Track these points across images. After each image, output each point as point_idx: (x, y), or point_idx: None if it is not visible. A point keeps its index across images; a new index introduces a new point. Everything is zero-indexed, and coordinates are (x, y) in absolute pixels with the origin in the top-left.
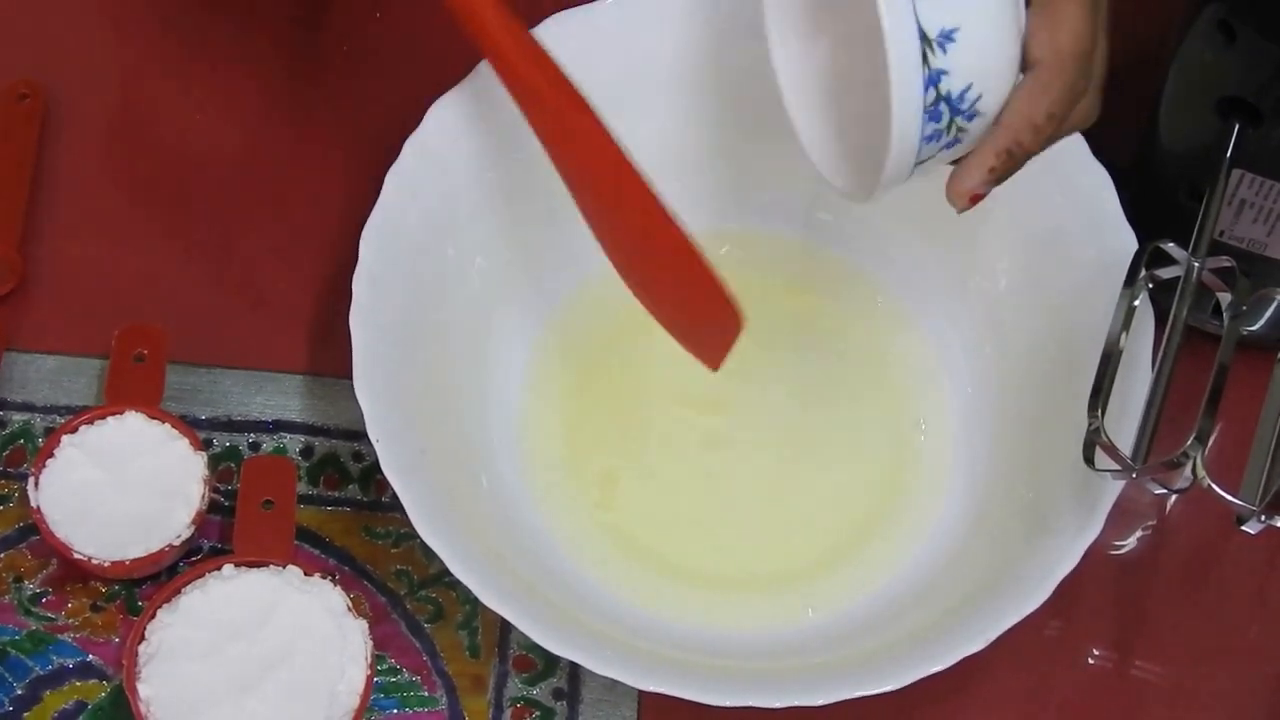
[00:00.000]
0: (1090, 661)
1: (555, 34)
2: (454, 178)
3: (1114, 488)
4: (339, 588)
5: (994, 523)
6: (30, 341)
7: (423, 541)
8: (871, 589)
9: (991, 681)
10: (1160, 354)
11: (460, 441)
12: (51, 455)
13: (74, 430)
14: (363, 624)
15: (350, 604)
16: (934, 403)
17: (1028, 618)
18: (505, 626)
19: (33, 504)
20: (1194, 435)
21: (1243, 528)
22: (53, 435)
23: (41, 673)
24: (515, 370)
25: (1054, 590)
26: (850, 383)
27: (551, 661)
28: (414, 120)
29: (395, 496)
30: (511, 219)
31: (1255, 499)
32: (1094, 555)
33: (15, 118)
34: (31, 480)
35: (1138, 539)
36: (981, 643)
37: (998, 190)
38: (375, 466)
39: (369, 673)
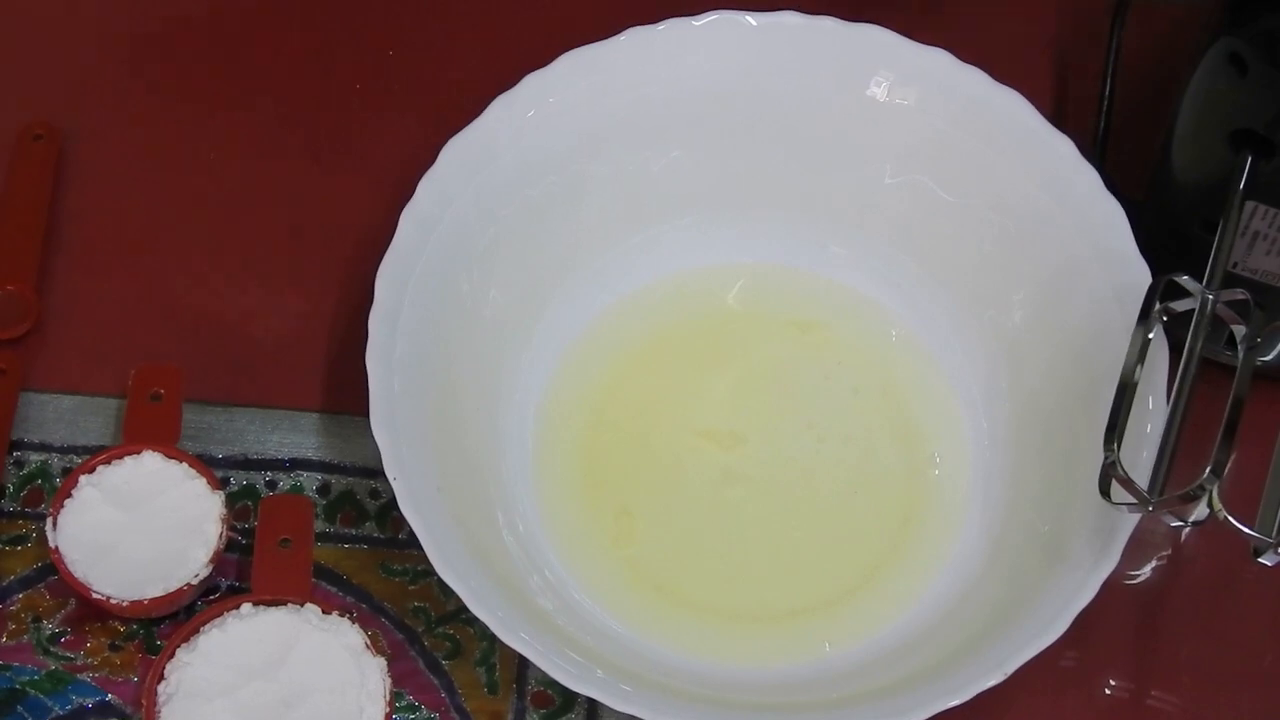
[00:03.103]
0: (1107, 692)
1: (568, 70)
2: (468, 215)
3: (1131, 520)
4: (357, 625)
5: (1011, 555)
6: (47, 381)
7: (440, 578)
8: (889, 623)
9: (1009, 713)
10: (1175, 386)
11: (476, 477)
12: (69, 495)
13: (91, 470)
14: (381, 661)
15: (368, 641)
16: (949, 436)
17: (1044, 649)
18: (523, 663)
19: (51, 544)
20: (1210, 468)
21: (1260, 560)
22: (70, 475)
23: (61, 713)
24: (530, 405)
25: (1072, 622)
26: (865, 416)
27: (570, 698)
28: (428, 159)
29: (412, 533)
30: (525, 254)
31: (1272, 531)
32: (1110, 586)
33: (30, 158)
34: (49, 520)
35: (1153, 569)
36: (1000, 676)
37: (1011, 224)
38: (392, 503)
39: (388, 710)
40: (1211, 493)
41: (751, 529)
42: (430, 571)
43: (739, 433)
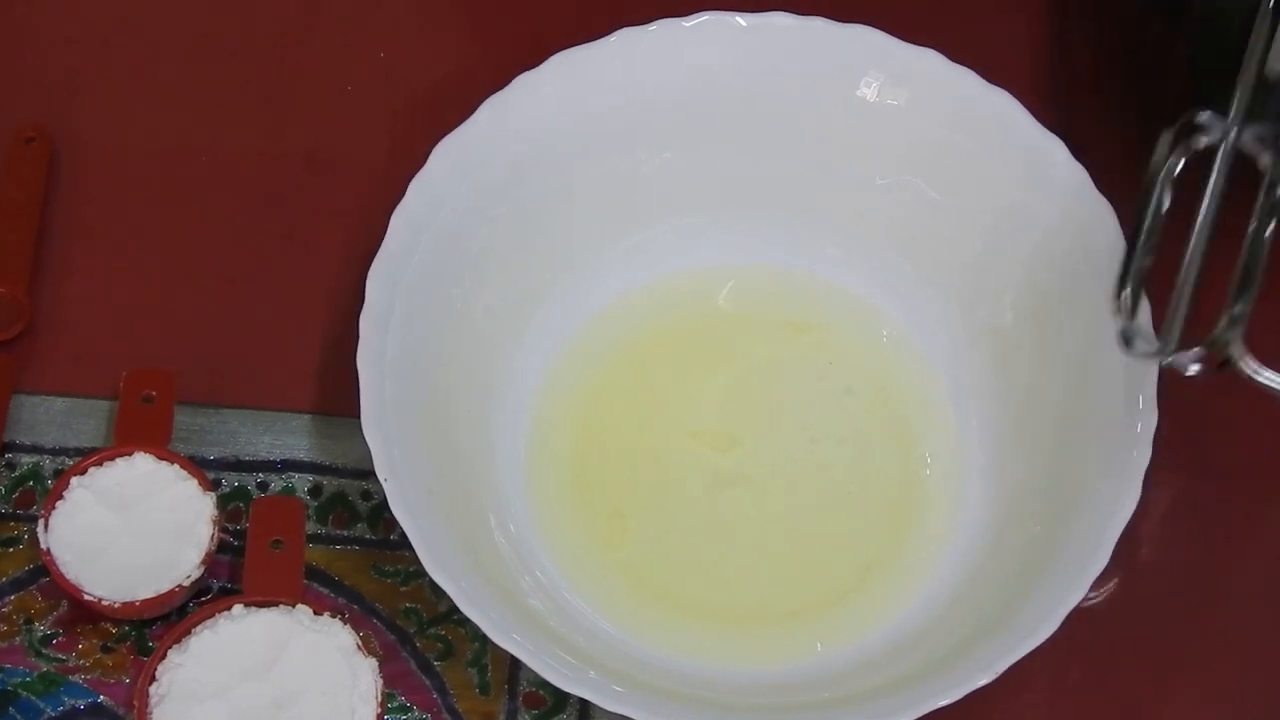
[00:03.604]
0: (1098, 692)
1: (559, 71)
2: (459, 216)
3: (1120, 520)
4: (349, 626)
5: (1003, 555)
6: (39, 383)
7: (432, 579)
8: (881, 623)
9: (999, 713)
10: (1196, 230)
11: (468, 479)
12: (61, 497)
13: (83, 472)
14: (373, 662)
15: (360, 642)
16: (942, 437)
17: (1035, 648)
18: (515, 663)
19: (42, 546)
20: (1226, 320)
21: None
22: (62, 477)
23: (53, 714)
24: (522, 406)
25: (1061, 622)
26: (857, 417)
27: (562, 698)
28: (419, 159)
29: (404, 535)
30: (517, 255)
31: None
32: (1100, 586)
33: (23, 160)
34: (41, 522)
35: (1145, 570)
36: (990, 675)
37: (1002, 224)
38: (384, 505)
39: (380, 711)
40: (1230, 344)
41: (744, 530)
42: (422, 573)
43: (732, 434)
